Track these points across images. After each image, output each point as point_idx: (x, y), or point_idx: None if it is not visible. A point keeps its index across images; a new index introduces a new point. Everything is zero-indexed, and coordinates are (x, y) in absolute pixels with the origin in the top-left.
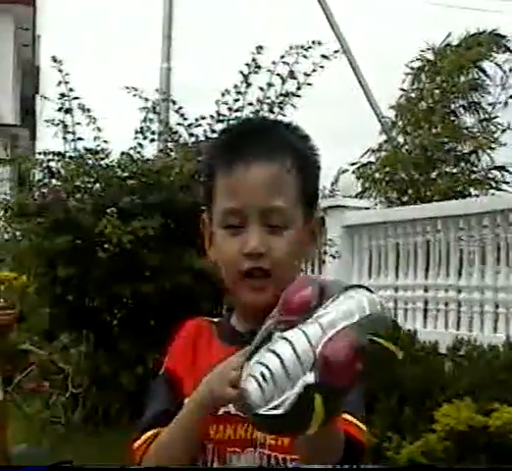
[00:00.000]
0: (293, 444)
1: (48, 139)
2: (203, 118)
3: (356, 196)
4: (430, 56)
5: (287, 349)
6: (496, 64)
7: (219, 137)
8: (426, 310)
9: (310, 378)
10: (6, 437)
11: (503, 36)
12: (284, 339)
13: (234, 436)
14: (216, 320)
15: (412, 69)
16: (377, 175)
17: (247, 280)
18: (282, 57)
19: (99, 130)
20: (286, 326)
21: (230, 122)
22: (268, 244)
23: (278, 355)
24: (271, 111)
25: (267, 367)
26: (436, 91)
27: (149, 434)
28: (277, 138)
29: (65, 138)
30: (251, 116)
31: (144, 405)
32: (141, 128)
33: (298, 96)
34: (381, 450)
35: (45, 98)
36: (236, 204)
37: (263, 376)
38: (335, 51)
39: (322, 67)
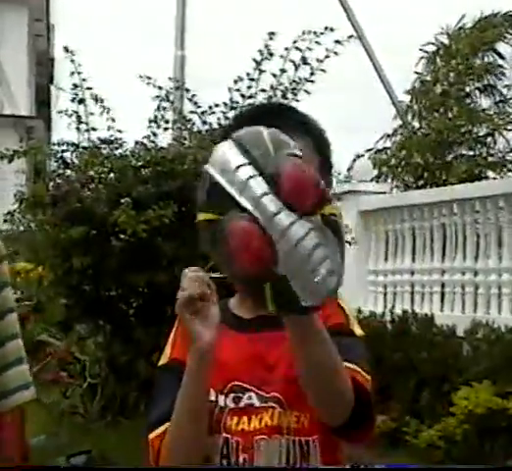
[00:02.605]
0: (313, 424)
1: (63, 130)
2: (216, 105)
3: (371, 181)
4: (444, 39)
5: None
6: None
7: (234, 122)
8: (443, 294)
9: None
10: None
11: None
12: None
13: (260, 424)
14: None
15: (426, 52)
16: (393, 160)
17: None
18: (295, 43)
19: (113, 120)
20: None
21: (243, 108)
22: None
23: None
24: (284, 97)
25: None
26: (452, 74)
27: (167, 424)
28: (296, 119)
29: (78, 129)
30: (264, 102)
31: (154, 396)
32: (155, 116)
33: (312, 82)
34: (399, 435)
35: (59, 88)
36: None
37: None
38: (349, 36)
39: (335, 53)
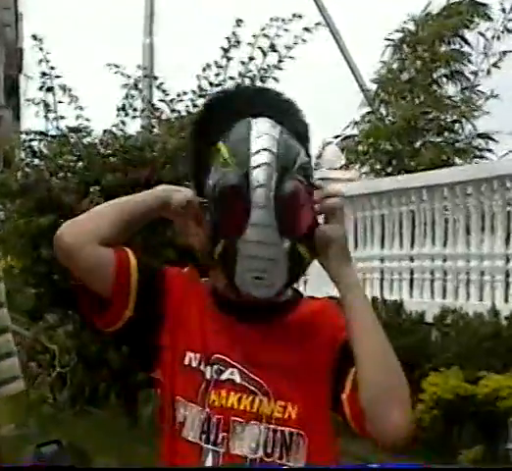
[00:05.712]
0: (303, 417)
1: (32, 119)
2: (185, 93)
3: (340, 168)
4: (411, 26)
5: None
6: (479, 33)
7: (206, 110)
8: (412, 280)
9: None
10: None
11: (484, 4)
12: None
13: (238, 405)
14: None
15: (393, 40)
16: (360, 147)
17: None
18: (263, 30)
19: (81, 108)
20: None
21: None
22: None
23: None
24: (253, 85)
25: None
26: (418, 61)
27: None
28: (269, 106)
29: (46, 117)
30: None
31: None
32: (123, 105)
33: (280, 69)
34: None
35: (28, 77)
36: None
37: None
38: (317, 23)
39: (304, 40)
